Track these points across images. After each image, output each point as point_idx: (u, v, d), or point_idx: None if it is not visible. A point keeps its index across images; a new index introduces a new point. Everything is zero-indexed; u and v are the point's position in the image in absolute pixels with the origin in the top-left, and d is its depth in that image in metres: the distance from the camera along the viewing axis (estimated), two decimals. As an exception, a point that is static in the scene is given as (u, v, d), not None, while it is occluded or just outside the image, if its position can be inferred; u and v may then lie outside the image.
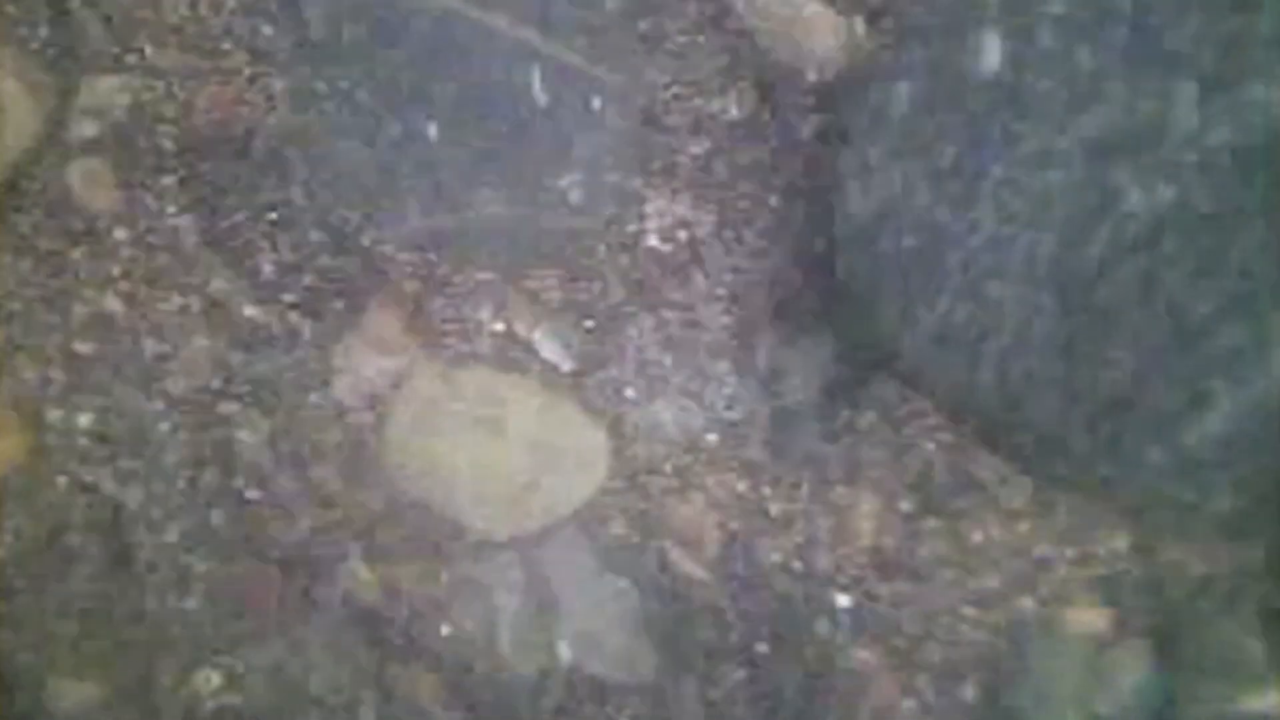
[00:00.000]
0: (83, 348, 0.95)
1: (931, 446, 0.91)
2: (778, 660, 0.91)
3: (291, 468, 0.94)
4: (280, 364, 0.94)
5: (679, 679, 0.92)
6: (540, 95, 0.91)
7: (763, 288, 0.93)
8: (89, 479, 0.95)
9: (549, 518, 0.93)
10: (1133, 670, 0.89)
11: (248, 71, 0.94)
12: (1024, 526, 0.90)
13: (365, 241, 0.93)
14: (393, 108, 0.92)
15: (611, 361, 0.93)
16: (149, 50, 0.94)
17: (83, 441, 0.95)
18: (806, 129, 0.92)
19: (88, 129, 0.95)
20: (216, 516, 0.95)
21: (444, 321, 0.94)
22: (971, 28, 0.85)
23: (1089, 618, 0.89)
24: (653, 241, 0.93)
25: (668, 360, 0.93)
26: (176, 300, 0.95)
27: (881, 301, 0.87)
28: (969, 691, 0.90)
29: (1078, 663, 0.89)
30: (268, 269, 0.94)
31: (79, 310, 0.95)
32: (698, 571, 0.92)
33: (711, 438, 0.92)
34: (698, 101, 0.93)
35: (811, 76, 0.90)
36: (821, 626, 0.91)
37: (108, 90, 0.95)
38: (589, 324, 0.93)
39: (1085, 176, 0.84)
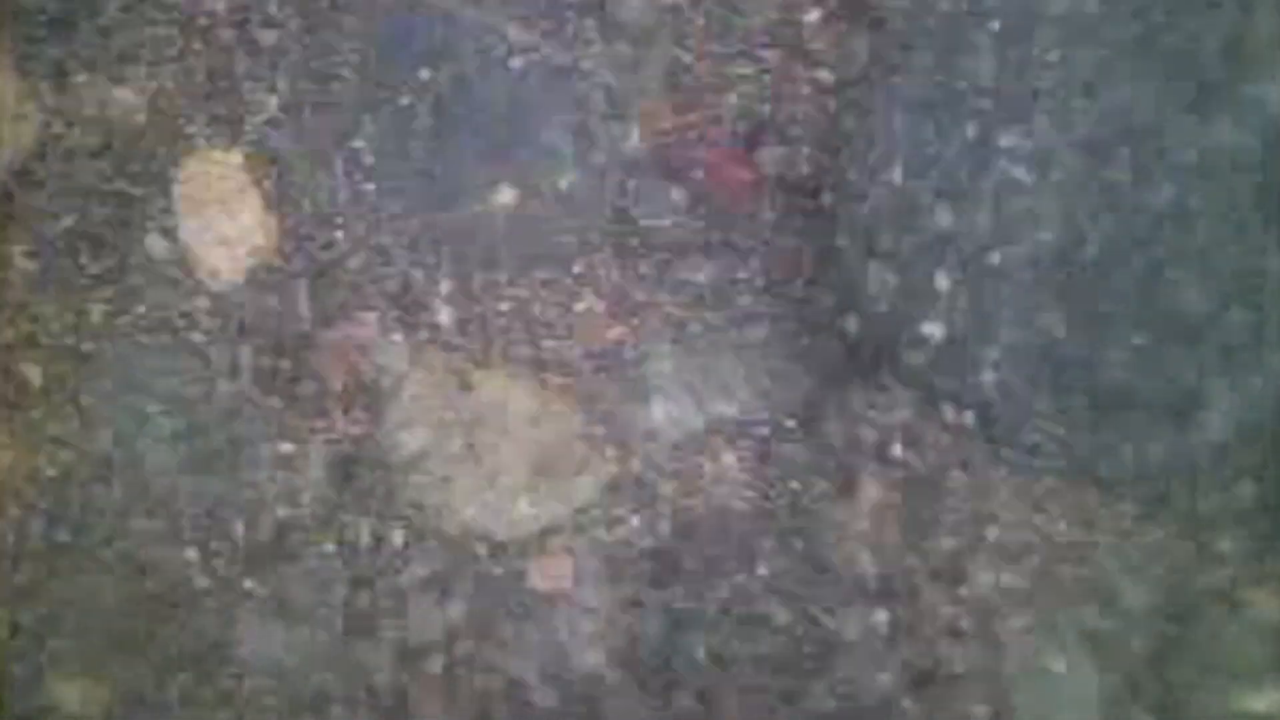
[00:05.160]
0: (88, 349, 0.95)
1: (932, 446, 0.91)
2: (779, 660, 0.92)
3: (292, 468, 0.94)
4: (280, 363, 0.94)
5: (679, 678, 0.92)
6: (537, 93, 0.91)
7: (764, 288, 0.93)
8: (90, 479, 0.95)
9: (549, 518, 0.93)
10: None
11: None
12: (1024, 525, 0.90)
13: (364, 241, 0.93)
14: (396, 108, 0.92)
15: (611, 361, 0.93)
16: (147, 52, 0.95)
17: (85, 443, 0.95)
18: (807, 127, 0.92)
19: (88, 130, 0.95)
20: (218, 516, 0.95)
21: (444, 322, 0.94)
22: (973, 28, 0.85)
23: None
24: (653, 241, 0.93)
25: (668, 360, 0.93)
26: (181, 299, 0.95)
27: (882, 301, 0.87)
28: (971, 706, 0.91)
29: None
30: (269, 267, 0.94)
31: (84, 311, 0.95)
32: (699, 571, 0.92)
33: (711, 438, 0.93)
34: (696, 101, 0.93)
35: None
36: (821, 627, 0.91)
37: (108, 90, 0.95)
38: (589, 324, 0.93)
39: (1085, 176, 0.84)
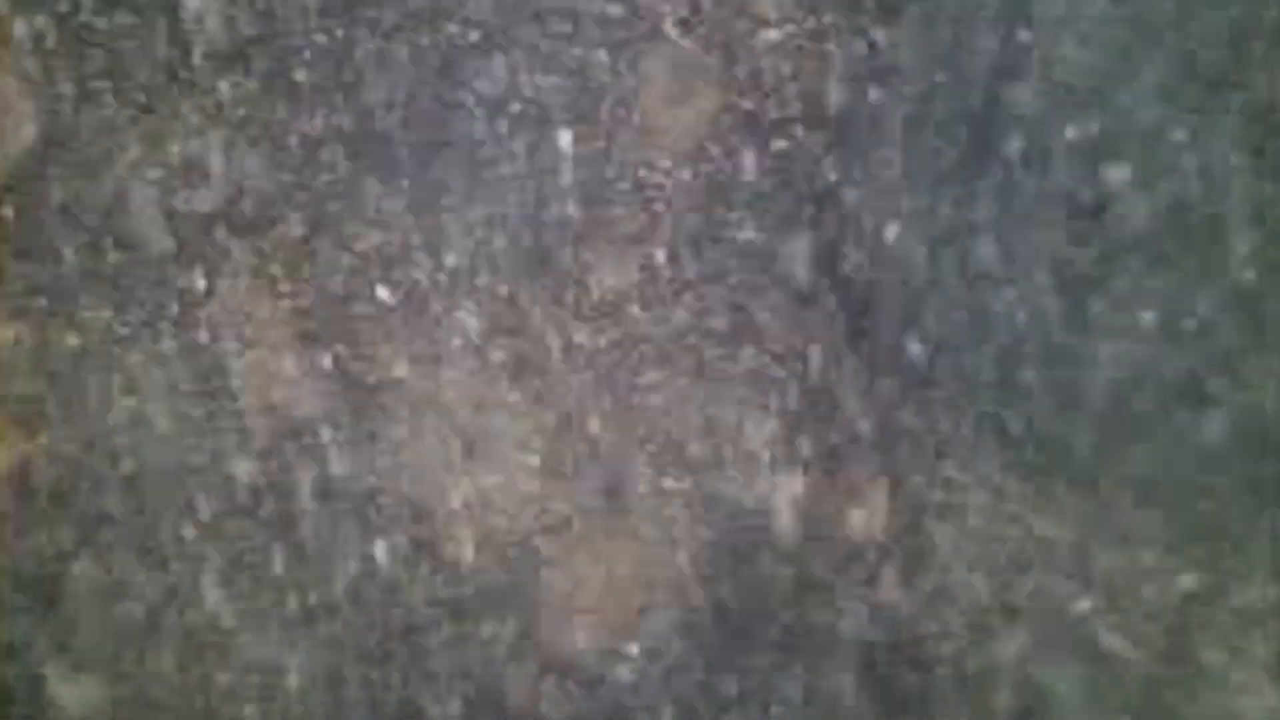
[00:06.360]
0: (88, 348, 0.95)
1: (932, 446, 0.91)
2: (779, 663, 0.92)
3: (293, 466, 0.94)
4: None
5: (682, 677, 0.92)
6: (530, 89, 0.91)
7: (763, 288, 0.93)
8: (91, 479, 0.95)
9: (550, 517, 0.93)
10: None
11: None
12: (1024, 525, 0.90)
13: (365, 243, 0.93)
14: (397, 112, 0.92)
15: (612, 362, 0.93)
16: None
17: (84, 443, 0.95)
18: (806, 128, 0.92)
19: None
20: (217, 515, 0.95)
21: (446, 323, 0.94)
22: (971, 28, 0.86)
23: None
24: (654, 240, 0.93)
25: (668, 360, 0.93)
26: (181, 301, 0.95)
27: (882, 302, 0.87)
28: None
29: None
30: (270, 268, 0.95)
31: (84, 312, 0.95)
32: (703, 569, 0.92)
33: (711, 437, 0.93)
34: (696, 103, 0.93)
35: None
36: (819, 621, 0.92)
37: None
38: (590, 323, 0.93)
39: (1084, 176, 0.84)
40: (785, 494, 0.92)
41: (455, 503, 0.94)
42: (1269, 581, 0.87)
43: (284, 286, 0.93)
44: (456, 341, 0.92)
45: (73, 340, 0.95)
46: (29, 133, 0.94)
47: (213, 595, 0.96)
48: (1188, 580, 0.88)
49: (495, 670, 0.95)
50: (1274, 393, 0.84)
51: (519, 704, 0.95)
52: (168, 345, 0.94)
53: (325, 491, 0.95)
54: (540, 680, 0.95)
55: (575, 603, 0.94)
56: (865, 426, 0.90)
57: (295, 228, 0.92)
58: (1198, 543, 0.87)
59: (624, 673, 0.94)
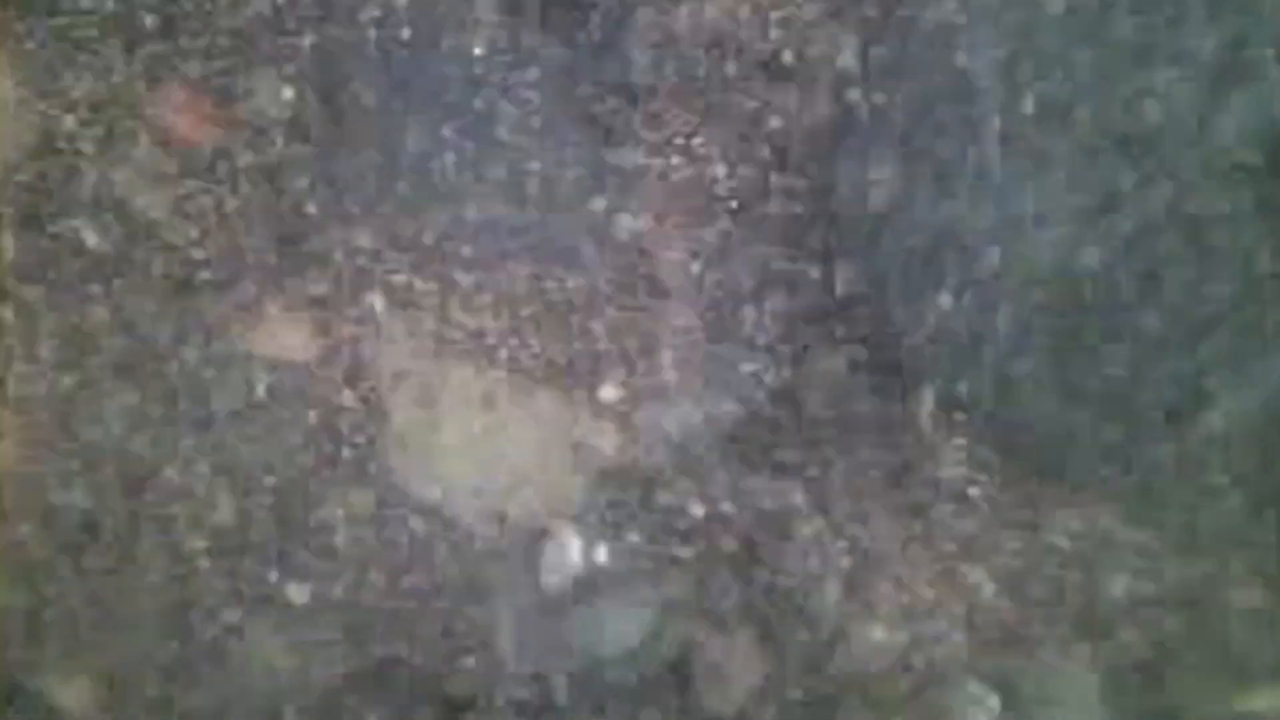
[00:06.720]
0: (86, 348, 0.95)
1: (932, 446, 0.91)
2: (785, 666, 0.92)
3: (293, 465, 0.94)
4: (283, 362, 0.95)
5: (684, 678, 0.92)
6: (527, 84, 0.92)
7: (763, 287, 0.93)
8: (90, 477, 0.95)
9: (551, 516, 0.93)
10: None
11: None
12: (1024, 525, 0.91)
13: (363, 240, 0.94)
14: (388, 111, 0.92)
15: (612, 360, 0.93)
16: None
17: (83, 441, 0.95)
18: (806, 129, 0.92)
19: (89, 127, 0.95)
20: (219, 515, 0.95)
21: (444, 320, 0.94)
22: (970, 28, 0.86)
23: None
24: (654, 239, 0.94)
25: (668, 359, 0.93)
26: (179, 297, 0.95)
27: (883, 301, 0.87)
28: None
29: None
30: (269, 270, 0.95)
31: (82, 311, 0.95)
32: (699, 568, 0.93)
33: (711, 437, 0.93)
34: (699, 99, 0.93)
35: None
36: (823, 622, 0.92)
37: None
38: (590, 323, 0.93)
39: (1085, 176, 0.84)
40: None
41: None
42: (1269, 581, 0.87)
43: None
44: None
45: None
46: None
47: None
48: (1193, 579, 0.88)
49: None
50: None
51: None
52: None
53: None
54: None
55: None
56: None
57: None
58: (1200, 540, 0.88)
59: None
